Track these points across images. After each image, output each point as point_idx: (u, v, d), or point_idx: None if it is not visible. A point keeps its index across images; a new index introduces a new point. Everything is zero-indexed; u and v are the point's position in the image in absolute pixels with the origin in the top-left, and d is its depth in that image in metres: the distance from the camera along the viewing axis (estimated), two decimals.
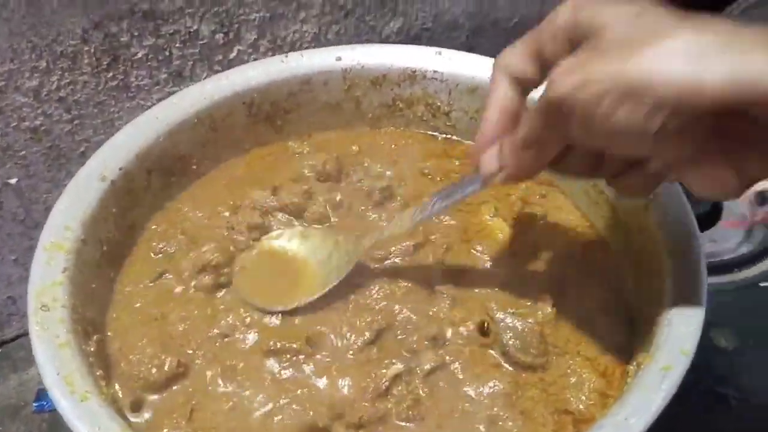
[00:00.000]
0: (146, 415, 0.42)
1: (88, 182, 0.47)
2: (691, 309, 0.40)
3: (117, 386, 0.43)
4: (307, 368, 0.44)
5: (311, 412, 0.41)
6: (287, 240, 0.50)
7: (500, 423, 0.42)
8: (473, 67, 0.57)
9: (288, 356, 0.44)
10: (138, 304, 0.47)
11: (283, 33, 0.68)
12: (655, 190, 0.40)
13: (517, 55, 0.39)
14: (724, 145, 0.32)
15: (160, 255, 0.50)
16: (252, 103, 0.55)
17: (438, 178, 0.57)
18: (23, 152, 0.59)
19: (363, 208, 0.54)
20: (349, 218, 0.53)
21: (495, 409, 0.42)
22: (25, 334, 0.52)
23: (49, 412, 0.61)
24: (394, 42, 0.76)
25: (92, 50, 0.58)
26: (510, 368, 0.45)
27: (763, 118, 0.30)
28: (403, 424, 0.42)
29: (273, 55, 0.66)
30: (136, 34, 0.59)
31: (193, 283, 0.48)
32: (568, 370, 0.44)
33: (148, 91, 0.63)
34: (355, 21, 0.72)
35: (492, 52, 0.85)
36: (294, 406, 0.42)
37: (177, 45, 0.62)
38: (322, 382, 0.43)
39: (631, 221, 0.49)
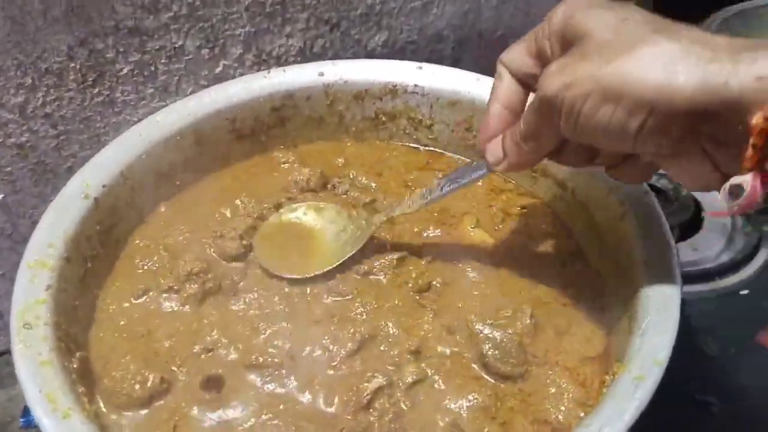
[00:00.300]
0: None
1: (72, 200, 0.47)
2: (665, 319, 0.40)
3: (101, 403, 0.44)
4: (290, 382, 0.44)
5: (293, 428, 0.42)
6: (303, 213, 0.53)
7: None
8: (454, 81, 0.58)
9: (270, 370, 0.45)
10: (123, 322, 0.48)
11: (269, 47, 0.68)
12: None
13: (519, 53, 0.42)
14: (699, 143, 0.34)
15: (144, 271, 0.50)
16: (235, 119, 0.56)
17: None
18: (9, 168, 0.60)
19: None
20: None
21: (476, 420, 0.43)
22: None
23: (36, 428, 0.61)
24: (379, 55, 0.77)
25: (78, 67, 0.58)
26: (490, 379, 0.45)
27: (729, 121, 0.32)
28: None
29: (259, 69, 0.67)
30: (121, 50, 0.60)
31: (178, 296, 0.49)
32: (548, 381, 0.45)
33: (134, 107, 0.64)
34: (341, 35, 0.73)
35: (478, 63, 0.87)
36: (276, 421, 0.42)
37: (162, 60, 0.63)
38: (304, 397, 0.44)
39: (608, 232, 0.49)
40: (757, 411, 0.57)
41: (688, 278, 0.64)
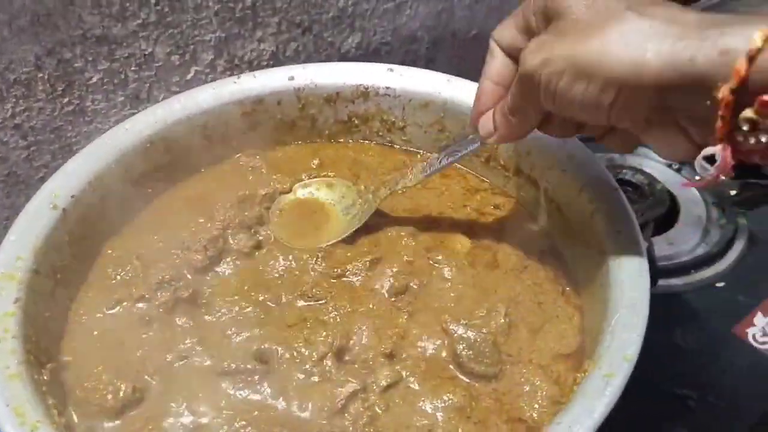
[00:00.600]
0: None
1: (39, 211, 0.47)
2: (634, 316, 0.41)
3: (73, 414, 0.43)
4: (263, 388, 0.44)
5: None
6: (316, 188, 0.57)
7: None
8: (425, 82, 0.58)
9: (243, 377, 0.44)
10: (96, 332, 0.47)
11: (240, 52, 0.68)
12: None
13: (509, 28, 0.43)
14: (672, 116, 0.35)
15: (116, 281, 0.50)
16: (205, 125, 0.56)
17: (400, 190, 0.58)
18: None
19: None
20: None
21: (451, 421, 0.43)
22: None
23: None
24: (353, 57, 0.77)
25: (46, 77, 0.58)
26: (465, 379, 0.45)
27: (697, 95, 0.33)
28: None
29: (231, 74, 0.67)
30: (90, 59, 0.60)
31: (150, 305, 0.48)
32: (522, 379, 0.45)
33: (105, 115, 0.63)
34: (313, 38, 0.73)
35: (452, 63, 0.87)
36: (250, 428, 0.42)
37: (132, 68, 0.62)
38: (278, 403, 0.44)
39: (580, 230, 0.50)
40: (734, 403, 0.57)
41: (665, 272, 0.64)
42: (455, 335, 0.46)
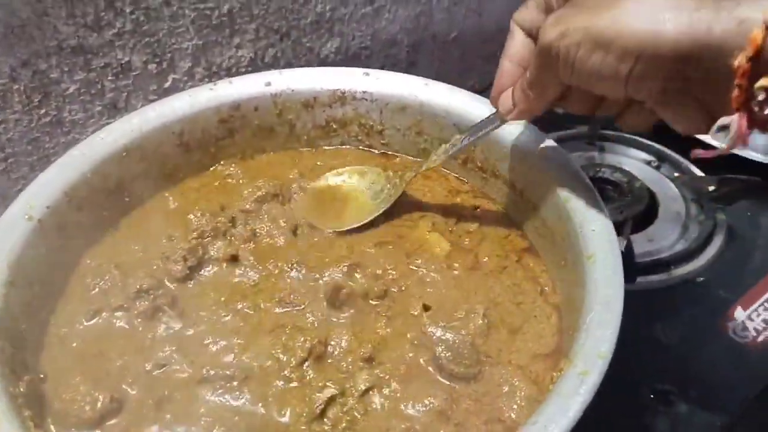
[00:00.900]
0: None
1: (14, 223, 0.47)
2: (608, 313, 0.41)
3: (51, 427, 0.43)
4: (242, 395, 0.44)
5: None
6: (348, 176, 0.59)
7: None
8: (401, 86, 0.58)
9: (222, 384, 0.44)
10: (75, 344, 0.47)
11: (219, 59, 0.68)
12: None
13: (530, 9, 0.44)
14: (688, 87, 0.36)
15: (95, 291, 0.50)
16: (182, 132, 0.56)
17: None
18: None
19: (310, 234, 0.55)
20: (295, 243, 0.54)
21: (431, 424, 0.43)
22: None
23: None
24: (333, 62, 0.77)
25: (22, 88, 0.58)
26: (445, 381, 0.45)
27: (714, 64, 0.34)
28: None
29: (210, 81, 0.67)
30: (66, 69, 0.60)
31: (129, 314, 0.48)
32: (501, 380, 0.45)
33: (83, 125, 0.63)
34: (292, 43, 0.73)
35: (434, 66, 0.87)
36: None
37: (109, 78, 0.62)
38: (257, 409, 0.44)
39: (556, 228, 0.50)
40: (715, 396, 0.57)
41: (645, 269, 0.65)
42: (434, 338, 0.47)
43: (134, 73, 0.63)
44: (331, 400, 0.43)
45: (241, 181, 0.58)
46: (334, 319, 0.48)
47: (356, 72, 0.59)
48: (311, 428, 0.42)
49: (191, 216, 0.53)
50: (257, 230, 0.54)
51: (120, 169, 0.53)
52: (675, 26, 0.34)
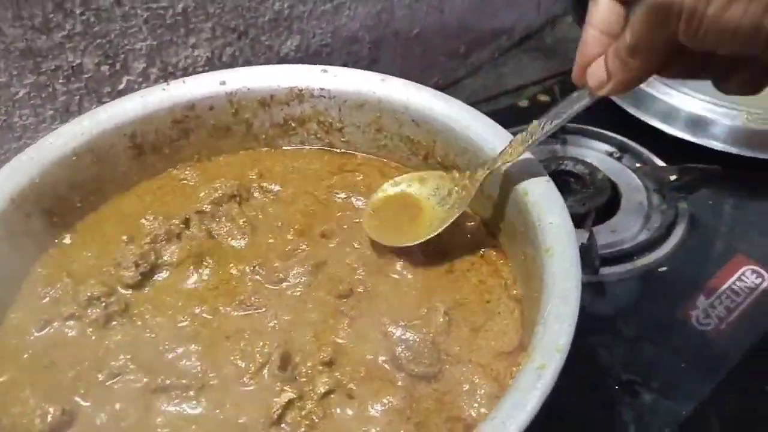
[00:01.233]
0: None
1: None
2: (565, 306, 0.40)
3: None
4: (199, 404, 0.43)
5: None
6: (408, 185, 0.54)
7: None
8: (358, 82, 0.57)
9: (178, 392, 0.43)
10: (25, 356, 0.46)
11: (174, 59, 0.67)
12: None
13: None
14: None
15: (46, 300, 0.48)
16: (134, 134, 0.54)
17: (343, 195, 0.57)
18: None
19: (271, 235, 0.54)
20: (255, 244, 0.53)
21: (391, 423, 0.42)
22: None
23: None
24: (293, 60, 0.76)
25: None
26: (405, 381, 0.45)
27: None
28: None
29: (165, 82, 0.65)
30: (15, 73, 0.58)
31: (80, 323, 0.47)
32: (462, 378, 0.45)
33: (34, 130, 0.62)
34: (250, 42, 0.72)
35: (396, 63, 0.87)
36: None
37: (60, 81, 0.61)
38: (214, 416, 0.43)
39: (516, 222, 0.50)
40: (679, 384, 0.58)
41: (608, 260, 0.65)
42: (394, 337, 0.46)
43: (86, 76, 0.62)
44: (289, 405, 0.43)
45: (198, 184, 0.57)
46: (296, 321, 0.48)
47: (314, 69, 0.58)
48: None
49: (143, 220, 0.52)
50: (214, 232, 0.53)
51: (70, 174, 0.51)
52: None
